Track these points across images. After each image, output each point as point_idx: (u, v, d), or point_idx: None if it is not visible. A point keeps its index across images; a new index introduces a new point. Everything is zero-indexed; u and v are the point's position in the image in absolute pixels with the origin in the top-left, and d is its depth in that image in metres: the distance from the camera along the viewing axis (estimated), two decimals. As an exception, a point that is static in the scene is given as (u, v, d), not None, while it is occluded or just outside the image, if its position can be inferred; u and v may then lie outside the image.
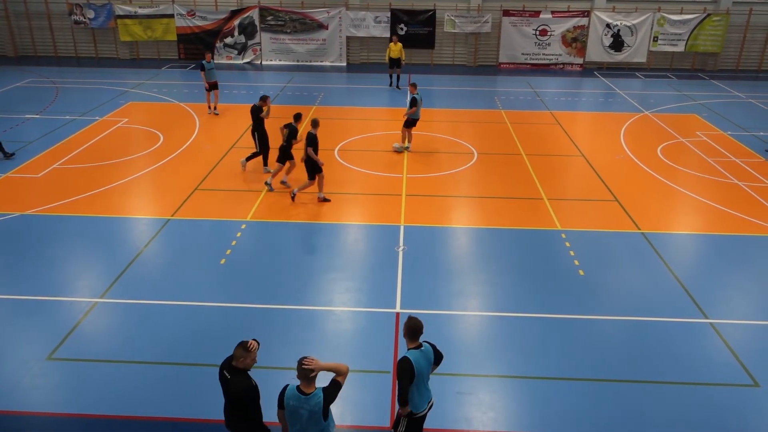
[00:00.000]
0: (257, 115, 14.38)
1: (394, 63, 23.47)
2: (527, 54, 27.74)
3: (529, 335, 8.88)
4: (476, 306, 9.59)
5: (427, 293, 9.81)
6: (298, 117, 13.40)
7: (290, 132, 13.33)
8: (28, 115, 18.79)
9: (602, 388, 7.87)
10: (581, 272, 10.50)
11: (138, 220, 12.25)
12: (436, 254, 11.04)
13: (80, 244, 11.28)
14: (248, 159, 14.66)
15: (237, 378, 5.63)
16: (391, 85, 23.88)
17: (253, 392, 5.66)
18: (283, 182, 13.77)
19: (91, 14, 27.50)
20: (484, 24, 27.20)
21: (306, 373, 5.33)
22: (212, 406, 7.03)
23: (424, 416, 6.22)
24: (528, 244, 11.52)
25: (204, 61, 19.08)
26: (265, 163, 14.71)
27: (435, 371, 6.30)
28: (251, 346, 5.61)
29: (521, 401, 7.64)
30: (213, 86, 19.28)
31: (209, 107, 19.46)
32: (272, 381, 6.88)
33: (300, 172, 13.58)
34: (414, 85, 16.25)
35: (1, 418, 7.18)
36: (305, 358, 5.35)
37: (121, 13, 27.31)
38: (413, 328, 5.96)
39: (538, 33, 27.30)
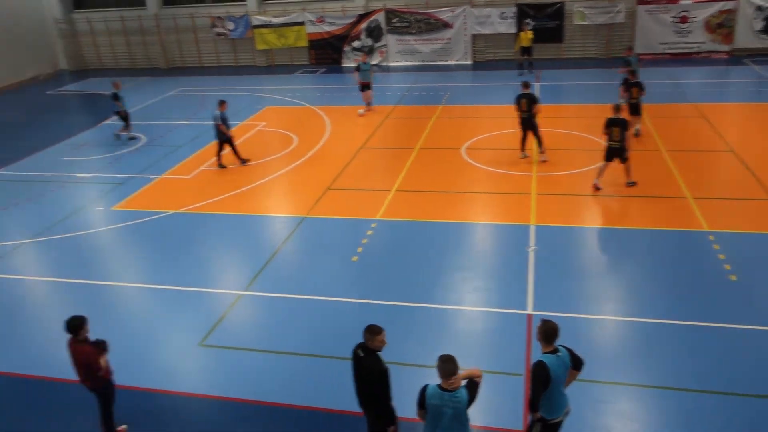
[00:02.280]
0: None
1: (525, 51, 24.30)
2: (665, 43, 26.08)
3: (673, 343, 8.35)
4: (613, 310, 9.18)
5: (559, 295, 9.54)
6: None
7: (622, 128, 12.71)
8: (178, 122, 20.45)
9: (762, 405, 7.23)
10: (732, 278, 9.71)
11: (276, 218, 12.95)
12: (569, 255, 10.70)
13: (225, 240, 12.12)
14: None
15: (369, 358, 5.90)
16: (521, 73, 24.12)
17: (381, 375, 5.86)
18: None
19: (230, 26, 29.42)
20: (617, 14, 25.92)
21: (447, 373, 5.30)
22: (346, 397, 7.26)
23: (560, 423, 6.03)
24: (670, 246, 10.85)
25: (361, 62, 20.00)
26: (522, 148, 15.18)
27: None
28: (377, 330, 5.83)
29: (668, 414, 7.19)
30: (366, 86, 19.97)
31: (367, 105, 20.26)
32: (402, 377, 7.01)
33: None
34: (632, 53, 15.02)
35: (161, 397, 7.89)
36: (444, 356, 5.38)
37: (257, 23, 28.96)
38: (548, 332, 5.78)
39: (677, 20, 25.58)
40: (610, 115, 12.91)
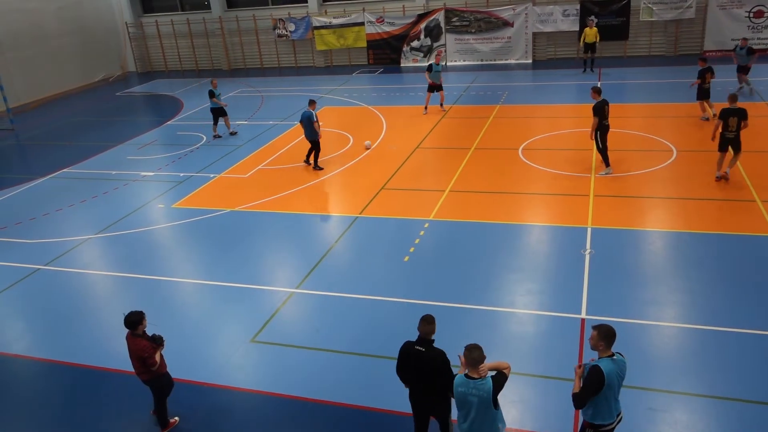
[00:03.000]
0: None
1: (589, 47, 23.82)
2: (738, 39, 24.83)
3: (734, 352, 7.95)
4: (672, 316, 8.81)
5: (616, 300, 9.22)
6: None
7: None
8: (238, 122, 20.92)
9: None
10: (804, 285, 9.17)
11: (330, 217, 13.05)
12: (627, 259, 10.34)
13: (280, 238, 12.31)
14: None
15: (430, 350, 5.99)
16: (585, 71, 23.96)
17: (445, 362, 5.96)
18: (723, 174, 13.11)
19: (291, 27, 29.91)
20: (687, 9, 24.94)
21: (474, 361, 5.43)
22: (394, 397, 7.25)
23: (612, 430, 5.85)
24: (736, 251, 10.33)
25: (433, 63, 19.84)
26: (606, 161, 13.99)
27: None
28: (432, 318, 6.08)
29: (728, 426, 6.84)
30: (437, 87, 19.84)
31: (426, 107, 20.09)
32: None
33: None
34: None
35: (212, 391, 8.07)
36: (471, 345, 5.53)
37: (317, 24, 29.32)
38: (609, 334, 5.60)
39: (752, 15, 24.37)
40: (726, 105, 12.78)
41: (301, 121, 15.45)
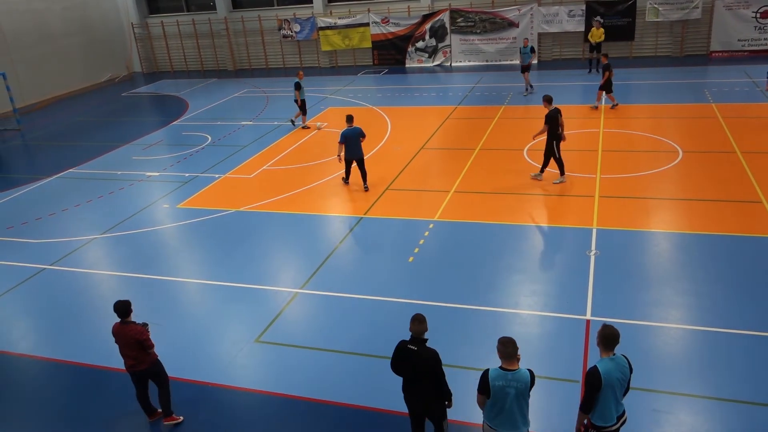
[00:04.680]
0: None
1: (594, 48, 24.04)
2: (744, 40, 24.81)
3: (740, 354, 7.91)
4: (677, 318, 8.77)
5: (621, 301, 9.19)
6: None
7: None
8: (243, 122, 20.96)
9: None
10: (810, 287, 9.12)
11: (334, 217, 13.06)
12: (633, 260, 10.30)
13: (284, 239, 12.32)
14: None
15: (423, 348, 6.01)
16: (590, 71, 24.09)
17: (437, 359, 6.01)
18: None
19: (297, 28, 29.94)
20: (693, 10, 24.85)
21: (508, 353, 5.47)
22: (398, 398, 7.21)
23: (615, 431, 5.83)
24: (742, 253, 10.28)
25: (522, 46, 20.62)
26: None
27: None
28: (423, 317, 6.09)
29: (733, 429, 6.80)
30: (526, 68, 20.71)
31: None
32: (457, 380, 6.91)
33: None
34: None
35: (216, 391, 8.08)
36: (504, 338, 5.58)
37: (322, 24, 29.34)
38: (607, 337, 5.60)
39: (758, 15, 24.28)
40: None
41: (348, 140, 13.75)
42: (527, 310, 9.23)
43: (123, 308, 7.05)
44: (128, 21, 32.63)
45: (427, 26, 28.06)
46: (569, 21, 26.23)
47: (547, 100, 13.50)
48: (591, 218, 11.87)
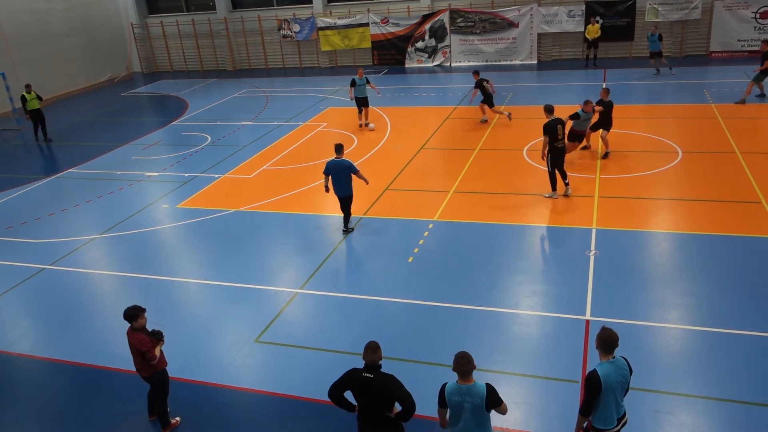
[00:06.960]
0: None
1: (591, 44, 24.60)
2: (744, 40, 24.82)
3: (741, 355, 7.91)
4: (677, 318, 8.77)
5: (621, 302, 9.19)
6: None
7: None
8: (243, 122, 20.96)
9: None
10: (810, 287, 9.12)
11: (333, 217, 13.04)
12: (633, 260, 10.31)
13: (283, 239, 12.32)
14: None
15: (379, 375, 5.77)
16: (587, 66, 24.70)
17: (395, 380, 5.75)
18: None
19: (296, 28, 29.93)
20: (692, 10, 24.86)
21: (463, 368, 5.39)
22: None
23: (615, 433, 5.83)
24: (741, 253, 10.28)
25: (356, 77, 18.76)
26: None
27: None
28: (376, 344, 5.87)
29: (734, 429, 6.80)
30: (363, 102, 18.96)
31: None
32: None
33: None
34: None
35: (215, 391, 8.08)
36: (461, 353, 5.47)
37: (322, 24, 29.34)
38: (606, 340, 5.57)
39: (758, 16, 24.29)
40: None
41: (332, 172, 11.87)
42: (527, 311, 9.23)
43: (129, 314, 7.02)
44: (128, 21, 32.62)
45: (427, 26, 28.07)
46: (569, 21, 26.23)
47: (548, 109, 12.63)
48: (591, 218, 11.87)
